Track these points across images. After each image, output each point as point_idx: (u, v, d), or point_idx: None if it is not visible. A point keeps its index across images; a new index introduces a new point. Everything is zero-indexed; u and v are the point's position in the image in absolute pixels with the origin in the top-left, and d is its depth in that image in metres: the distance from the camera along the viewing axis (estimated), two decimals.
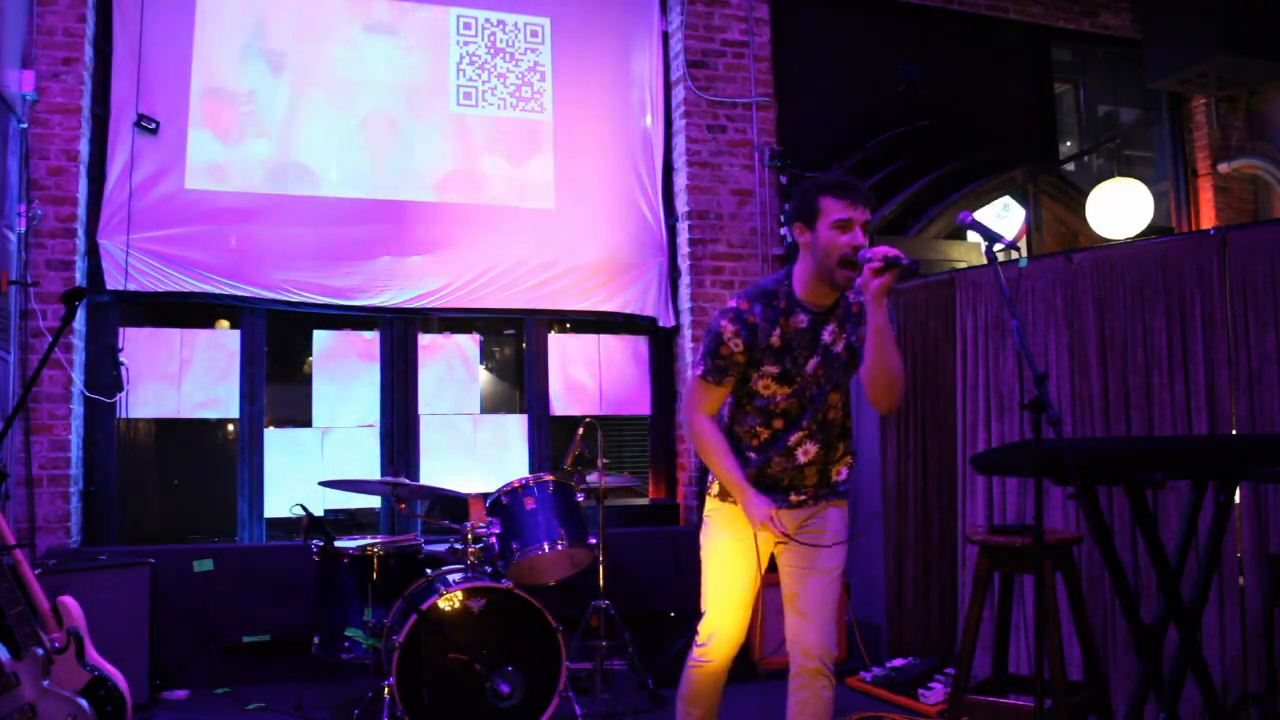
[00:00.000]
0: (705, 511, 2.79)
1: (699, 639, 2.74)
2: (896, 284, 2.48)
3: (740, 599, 2.70)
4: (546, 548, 3.86)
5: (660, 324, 5.63)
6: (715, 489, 2.74)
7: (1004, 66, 6.66)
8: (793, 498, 2.67)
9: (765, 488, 2.64)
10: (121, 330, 4.85)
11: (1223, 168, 7.03)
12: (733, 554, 2.68)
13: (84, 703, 2.97)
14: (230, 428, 5.16)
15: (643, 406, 5.75)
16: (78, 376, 4.67)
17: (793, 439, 2.62)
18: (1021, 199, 6.25)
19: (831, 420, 2.66)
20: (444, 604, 3.45)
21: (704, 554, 2.75)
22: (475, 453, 5.45)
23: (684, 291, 5.62)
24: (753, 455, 2.66)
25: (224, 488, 5.08)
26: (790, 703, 2.64)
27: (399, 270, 5.23)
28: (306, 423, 5.20)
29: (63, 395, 4.58)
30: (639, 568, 4.89)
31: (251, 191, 5.06)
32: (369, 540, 4.00)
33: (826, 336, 2.59)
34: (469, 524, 3.80)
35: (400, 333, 5.34)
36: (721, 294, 5.58)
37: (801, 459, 2.64)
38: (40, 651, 2.95)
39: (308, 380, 5.24)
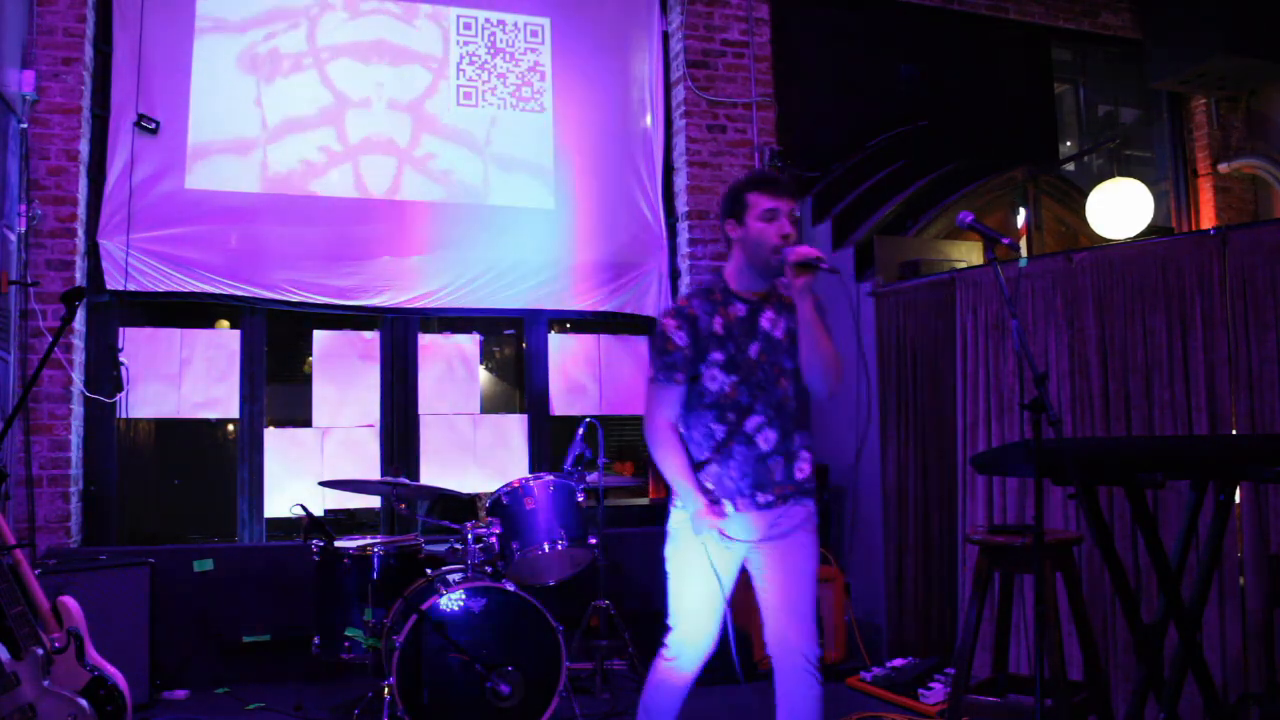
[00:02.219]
0: (670, 524, 2.75)
1: (668, 651, 2.71)
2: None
3: (709, 612, 2.66)
4: (546, 548, 3.86)
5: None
6: (678, 501, 2.71)
7: (1004, 66, 6.66)
8: (760, 498, 2.64)
9: (734, 491, 2.64)
10: (121, 330, 4.85)
11: (1223, 168, 7.03)
12: (697, 562, 2.63)
13: (84, 703, 2.97)
14: (230, 428, 5.16)
15: (642, 406, 5.73)
16: (78, 376, 4.67)
17: (751, 425, 2.63)
18: (1021, 199, 6.25)
19: (785, 407, 2.67)
20: (444, 604, 3.45)
21: (670, 567, 2.72)
22: (475, 453, 5.45)
23: (684, 291, 5.63)
24: (713, 456, 2.65)
25: (224, 488, 5.08)
26: (779, 704, 2.64)
27: (399, 270, 5.23)
28: (306, 423, 5.20)
29: (63, 395, 4.58)
30: (639, 568, 4.88)
31: (251, 191, 5.06)
32: (369, 540, 4.00)
33: (765, 323, 2.67)
34: (469, 524, 3.80)
35: (400, 333, 5.34)
36: None
37: (764, 447, 2.63)
38: (40, 651, 2.95)
39: (308, 380, 5.24)
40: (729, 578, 2.66)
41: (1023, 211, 6.18)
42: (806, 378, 2.64)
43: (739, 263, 2.69)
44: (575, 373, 5.67)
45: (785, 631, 2.64)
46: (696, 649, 2.68)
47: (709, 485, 2.65)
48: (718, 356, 2.63)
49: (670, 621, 2.71)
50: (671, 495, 2.74)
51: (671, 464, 2.66)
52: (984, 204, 5.45)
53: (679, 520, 2.71)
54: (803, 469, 2.70)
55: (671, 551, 2.72)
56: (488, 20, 5.64)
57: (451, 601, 3.47)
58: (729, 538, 2.58)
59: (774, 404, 2.65)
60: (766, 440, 2.64)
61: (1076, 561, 3.20)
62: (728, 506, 2.64)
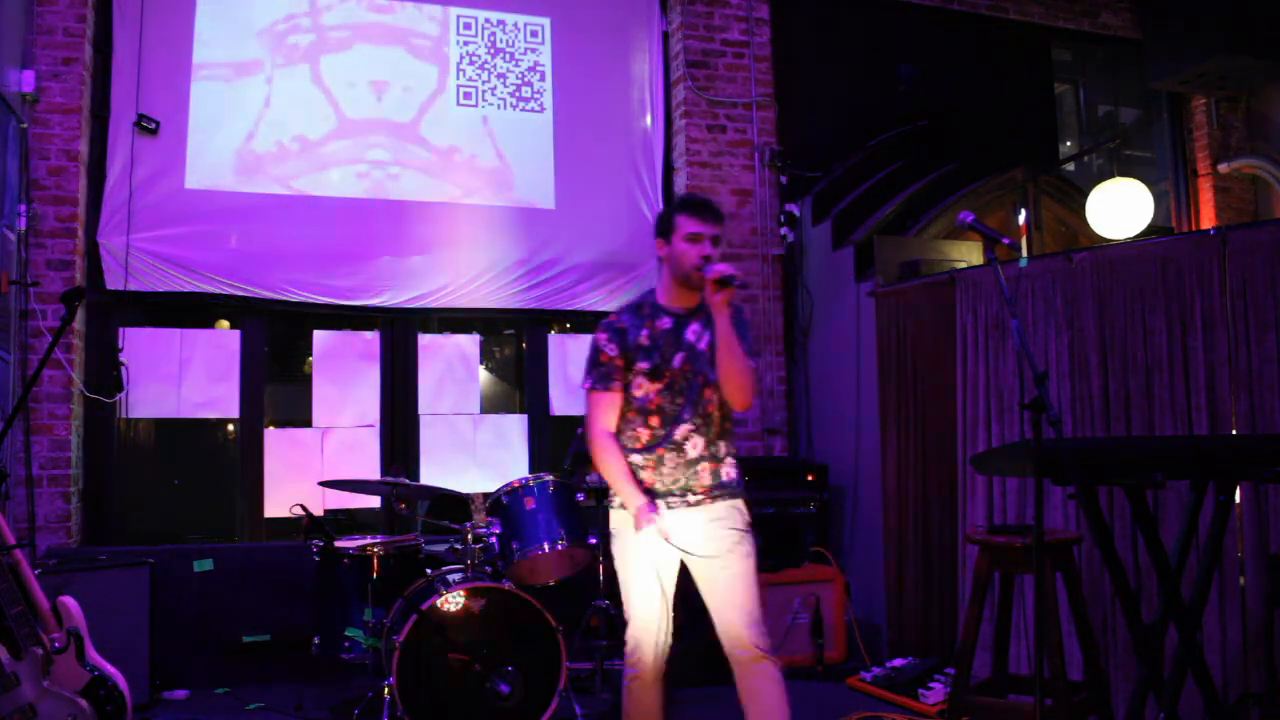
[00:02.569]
0: (611, 524, 2.90)
1: (627, 648, 2.83)
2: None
3: (656, 602, 2.77)
4: (546, 548, 3.86)
5: None
6: (617, 501, 2.86)
7: (1004, 66, 6.66)
8: (689, 499, 2.81)
9: (663, 492, 2.80)
10: (121, 330, 4.85)
11: (1223, 168, 7.03)
12: (638, 559, 2.78)
13: (84, 703, 2.97)
14: (230, 428, 5.16)
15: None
16: (78, 376, 4.67)
17: (679, 433, 2.80)
18: (1021, 199, 6.25)
19: (712, 414, 2.83)
20: (444, 604, 3.45)
21: (617, 566, 2.86)
22: (475, 453, 5.45)
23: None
24: (638, 458, 2.82)
25: (224, 488, 5.09)
26: (742, 696, 2.74)
27: (399, 270, 5.23)
28: (306, 423, 5.20)
29: (63, 395, 4.58)
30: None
31: (251, 191, 5.06)
32: (369, 540, 4.00)
33: (690, 335, 2.84)
34: (469, 524, 3.80)
35: (400, 333, 5.34)
36: None
37: (691, 453, 2.80)
38: (40, 651, 2.95)
39: (308, 380, 5.24)
40: (671, 571, 2.79)
41: (1023, 211, 6.18)
42: (723, 391, 2.79)
43: (666, 278, 2.89)
44: (575, 373, 5.67)
45: (731, 623, 2.74)
46: (651, 641, 2.79)
47: (642, 486, 2.80)
48: (643, 366, 2.81)
49: (626, 616, 2.84)
50: (612, 497, 2.89)
51: (611, 467, 2.82)
52: (984, 204, 5.44)
53: (619, 519, 2.86)
54: (729, 473, 2.87)
55: (617, 549, 2.87)
56: (488, 20, 5.64)
57: (451, 601, 3.46)
58: (664, 534, 2.72)
59: (700, 412, 2.81)
60: (694, 446, 2.81)
61: (1076, 561, 3.20)
62: (661, 506, 2.78)
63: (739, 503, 2.86)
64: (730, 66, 5.81)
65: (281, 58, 5.22)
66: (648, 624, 2.78)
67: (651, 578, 2.76)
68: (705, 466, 2.82)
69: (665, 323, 2.85)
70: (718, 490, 2.83)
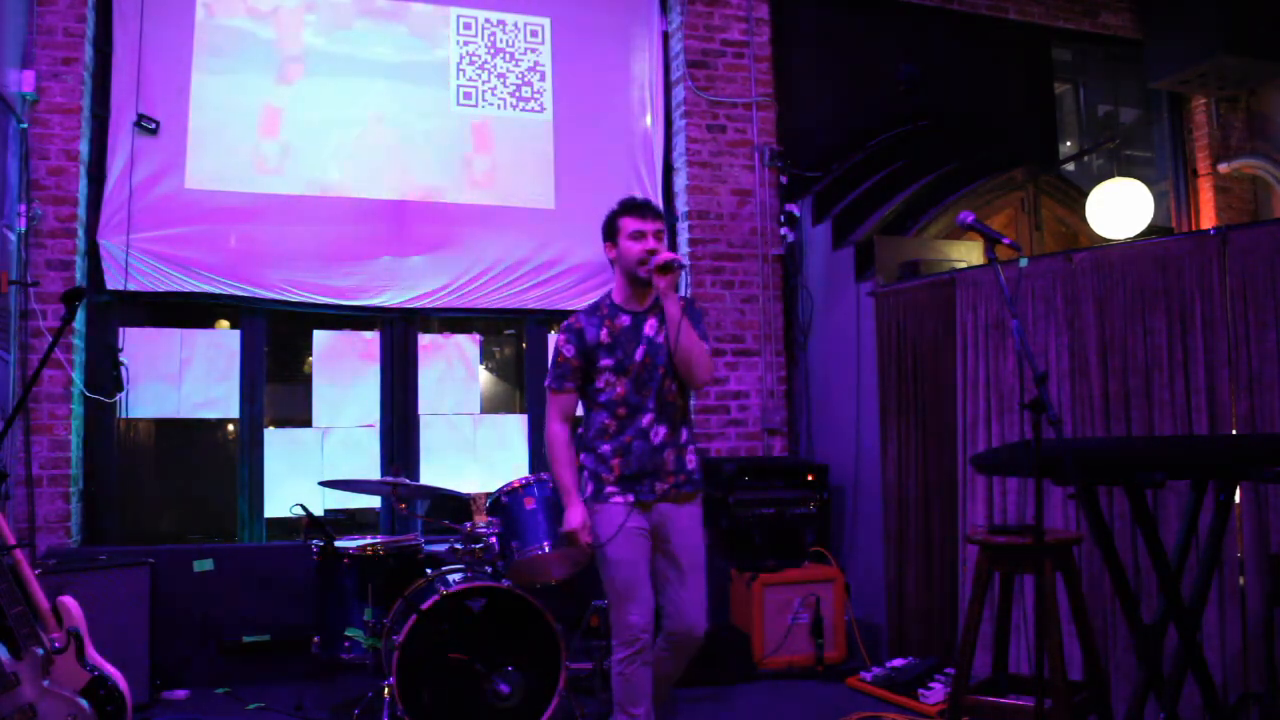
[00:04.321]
0: (590, 505, 3.10)
1: (617, 636, 3.04)
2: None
3: (647, 583, 3.02)
4: (547, 547, 3.85)
5: None
6: (583, 487, 3.08)
7: (1004, 66, 6.66)
8: (658, 487, 3.03)
9: (632, 481, 3.01)
10: (121, 330, 4.85)
11: (1223, 168, 7.03)
12: (614, 545, 3.00)
13: (84, 703, 2.97)
14: (230, 428, 5.16)
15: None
16: (78, 376, 4.67)
17: (645, 421, 3.03)
18: (1021, 199, 6.25)
19: (673, 404, 3.07)
20: (444, 604, 3.45)
21: (602, 552, 3.05)
22: (475, 453, 5.45)
23: (684, 291, 5.63)
24: (608, 447, 3.04)
25: (224, 488, 5.09)
26: (658, 664, 3.08)
27: (399, 270, 5.23)
28: (306, 423, 5.20)
29: (63, 395, 4.58)
30: None
31: (251, 191, 5.06)
32: (369, 540, 4.00)
33: (648, 330, 3.08)
34: (469, 524, 3.80)
35: (400, 333, 5.34)
36: (722, 294, 5.59)
37: (655, 440, 3.03)
38: (40, 651, 2.95)
39: (308, 380, 5.24)
40: (640, 551, 3.02)
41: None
42: (680, 371, 3.01)
43: (620, 280, 3.12)
44: None
45: (682, 613, 3.02)
46: (636, 617, 2.99)
47: (613, 474, 3.02)
48: (607, 362, 3.03)
49: (611, 603, 3.05)
50: (587, 490, 3.08)
51: (558, 465, 3.07)
52: (984, 204, 5.45)
53: (591, 512, 3.06)
54: (691, 460, 3.12)
55: (600, 534, 3.05)
56: (488, 20, 5.64)
57: (451, 601, 3.46)
58: (586, 540, 3.01)
59: (662, 402, 3.04)
60: (658, 434, 3.04)
61: (1076, 561, 3.20)
62: (626, 495, 3.01)
63: (696, 502, 3.12)
64: (730, 66, 5.81)
65: (281, 57, 5.21)
66: (641, 597, 2.99)
67: (625, 561, 2.98)
68: (670, 453, 3.05)
69: (624, 320, 3.07)
70: (682, 477, 3.07)
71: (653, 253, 2.99)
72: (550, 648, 3.54)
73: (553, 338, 5.64)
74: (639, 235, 3.04)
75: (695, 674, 4.20)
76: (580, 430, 3.16)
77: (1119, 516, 3.67)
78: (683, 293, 5.62)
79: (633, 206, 3.12)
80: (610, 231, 3.13)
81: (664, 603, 3.08)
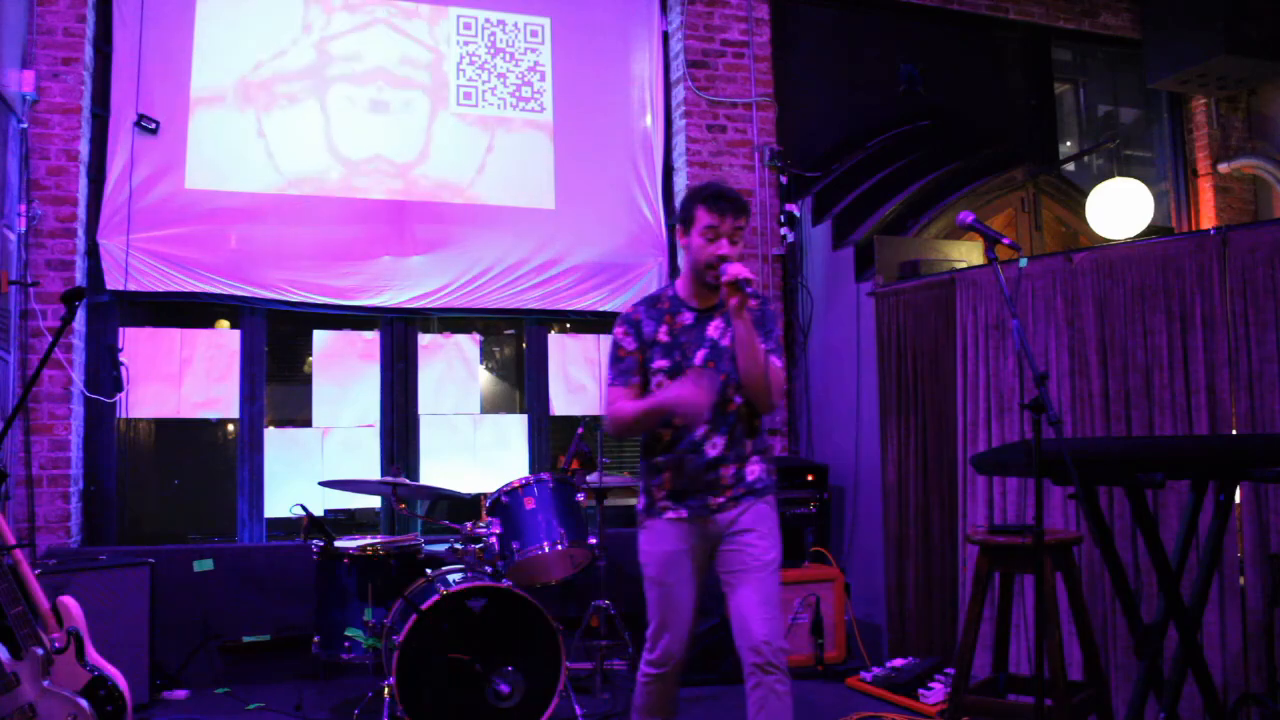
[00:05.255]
0: (639, 528, 2.83)
1: (647, 648, 2.77)
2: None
3: (677, 606, 2.72)
4: (546, 548, 3.86)
5: None
6: (639, 502, 2.80)
7: (1004, 66, 6.66)
8: (712, 502, 2.70)
9: (682, 495, 2.70)
10: (121, 330, 4.85)
11: (1223, 168, 7.03)
12: (661, 563, 2.73)
13: (84, 703, 2.97)
14: (230, 428, 5.16)
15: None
16: (78, 376, 4.67)
17: (700, 433, 2.68)
18: (1021, 199, 6.25)
19: (734, 414, 2.71)
20: (444, 604, 3.45)
21: (644, 569, 2.79)
22: (475, 453, 5.45)
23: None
24: (661, 459, 2.73)
25: (224, 488, 5.08)
26: (749, 703, 2.65)
27: (399, 270, 5.23)
28: (306, 423, 5.20)
29: (63, 395, 4.58)
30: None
31: (251, 191, 5.06)
32: (369, 540, 4.00)
33: (713, 332, 2.74)
34: (469, 524, 3.80)
35: (400, 333, 5.34)
36: None
37: (710, 453, 2.69)
38: (40, 651, 2.95)
39: (308, 380, 5.24)
40: (693, 577, 2.73)
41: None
42: (747, 394, 2.68)
43: (686, 272, 2.79)
44: (575, 373, 5.68)
45: (749, 626, 2.64)
46: (671, 643, 2.73)
47: (665, 489, 2.72)
48: (662, 364, 2.71)
49: (649, 619, 2.77)
50: (640, 497, 2.82)
51: (635, 410, 2.65)
52: (984, 204, 5.45)
53: (640, 524, 2.81)
54: (753, 471, 2.74)
55: (641, 554, 2.80)
56: (488, 20, 5.64)
57: (451, 601, 3.46)
58: (713, 386, 2.60)
59: (723, 412, 2.69)
60: (714, 446, 2.70)
61: (1076, 561, 3.20)
62: (679, 511, 2.71)
63: (764, 506, 2.75)
64: (730, 66, 5.81)
65: (281, 57, 5.21)
66: (676, 629, 2.71)
67: (672, 581, 2.71)
68: (729, 469, 2.70)
69: (686, 318, 2.75)
70: (741, 490, 2.71)
71: (723, 259, 2.62)
72: (550, 648, 3.53)
73: (553, 338, 5.65)
74: (712, 234, 2.67)
75: (695, 674, 4.21)
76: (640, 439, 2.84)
77: (1119, 516, 3.67)
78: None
79: (711, 196, 2.70)
80: (685, 218, 2.74)
81: (730, 615, 2.72)
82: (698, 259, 2.70)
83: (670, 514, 2.72)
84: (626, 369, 2.74)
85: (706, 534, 2.72)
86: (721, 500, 2.71)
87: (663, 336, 2.72)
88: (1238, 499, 3.32)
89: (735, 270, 2.54)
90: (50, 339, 3.77)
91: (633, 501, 5.75)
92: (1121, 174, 6.28)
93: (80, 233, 4.72)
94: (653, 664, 2.75)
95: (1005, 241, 2.57)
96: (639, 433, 2.75)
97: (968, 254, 5.04)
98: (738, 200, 2.72)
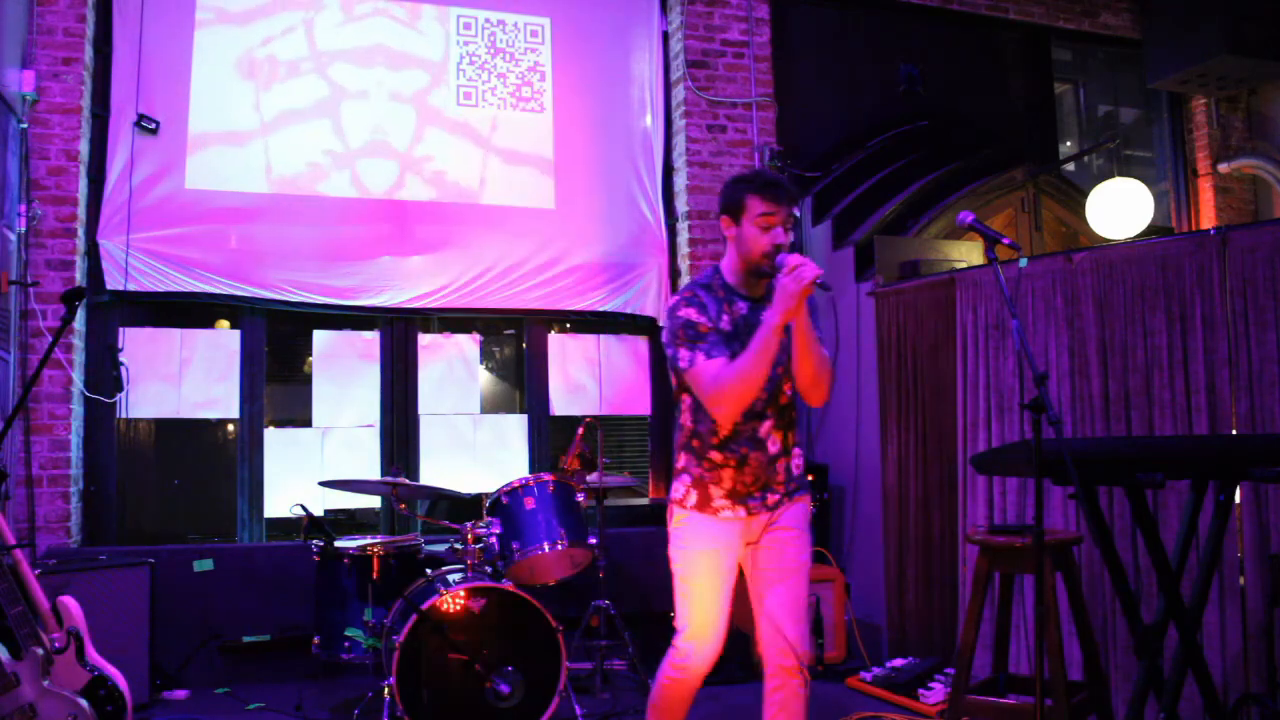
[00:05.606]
0: (674, 524, 2.71)
1: (678, 654, 2.69)
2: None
3: (720, 610, 2.65)
4: (546, 548, 3.86)
5: (660, 324, 5.62)
6: (681, 495, 2.69)
7: (1004, 66, 6.66)
8: (769, 499, 2.65)
9: (744, 495, 2.63)
10: (121, 330, 4.85)
11: (1223, 168, 7.03)
12: (708, 565, 2.64)
13: (84, 703, 2.97)
14: (230, 428, 5.16)
15: (643, 406, 5.75)
16: (78, 376, 4.67)
17: (762, 430, 2.62)
18: (1021, 199, 6.25)
19: (787, 406, 2.67)
20: (444, 604, 3.45)
21: (678, 567, 2.69)
22: (475, 453, 5.45)
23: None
24: (717, 454, 2.62)
25: (224, 488, 5.08)
26: (766, 703, 2.63)
27: (399, 270, 5.23)
28: (306, 423, 5.20)
29: (63, 395, 4.58)
30: (639, 568, 4.89)
31: (251, 191, 5.06)
32: (369, 540, 4.00)
33: None
34: (469, 524, 3.80)
35: (400, 333, 5.34)
36: None
37: (773, 450, 2.63)
38: (40, 651, 2.95)
39: (308, 380, 5.24)
40: (734, 576, 2.67)
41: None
42: (799, 385, 2.62)
43: (733, 261, 2.66)
44: (575, 373, 5.67)
45: (779, 628, 2.62)
46: (707, 649, 2.66)
47: (724, 487, 2.62)
48: (724, 353, 2.56)
49: (679, 623, 2.69)
50: (670, 493, 2.73)
51: (744, 357, 2.47)
52: (984, 204, 5.45)
53: (682, 519, 2.69)
54: (798, 464, 2.74)
55: (677, 552, 2.70)
56: (488, 20, 5.64)
57: (451, 601, 3.47)
58: (813, 272, 2.43)
59: (779, 407, 2.65)
60: (775, 443, 2.64)
61: (1076, 561, 3.20)
62: (737, 510, 2.62)
63: (807, 502, 2.74)
64: (730, 66, 5.81)
65: (282, 56, 5.21)
66: (707, 632, 2.64)
67: (718, 584, 2.63)
68: (782, 462, 2.65)
69: (742, 308, 2.63)
70: (793, 486, 2.69)
71: (780, 248, 2.52)
72: (550, 648, 3.53)
73: (553, 338, 5.65)
74: (767, 223, 2.55)
75: None
76: (684, 428, 2.71)
77: (1119, 516, 3.67)
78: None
79: (765, 184, 2.58)
80: (733, 207, 2.60)
81: (760, 614, 2.67)
82: (751, 249, 2.58)
83: (727, 513, 2.63)
84: (710, 344, 2.53)
85: (750, 531, 2.67)
86: (777, 497, 2.66)
87: (725, 325, 2.60)
88: (1238, 499, 3.32)
89: (807, 270, 2.43)
90: (50, 339, 3.77)
91: (633, 502, 5.79)
92: (1121, 174, 6.28)
93: (80, 233, 4.72)
94: (680, 666, 2.68)
95: (1005, 241, 2.57)
96: (754, 395, 2.53)
97: (968, 254, 5.04)
98: (792, 188, 2.63)
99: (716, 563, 2.63)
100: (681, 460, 2.70)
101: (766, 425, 2.62)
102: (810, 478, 4.96)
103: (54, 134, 4.66)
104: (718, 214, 2.71)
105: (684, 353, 2.54)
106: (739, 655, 4.47)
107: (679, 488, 2.70)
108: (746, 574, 2.72)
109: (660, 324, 5.61)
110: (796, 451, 2.72)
